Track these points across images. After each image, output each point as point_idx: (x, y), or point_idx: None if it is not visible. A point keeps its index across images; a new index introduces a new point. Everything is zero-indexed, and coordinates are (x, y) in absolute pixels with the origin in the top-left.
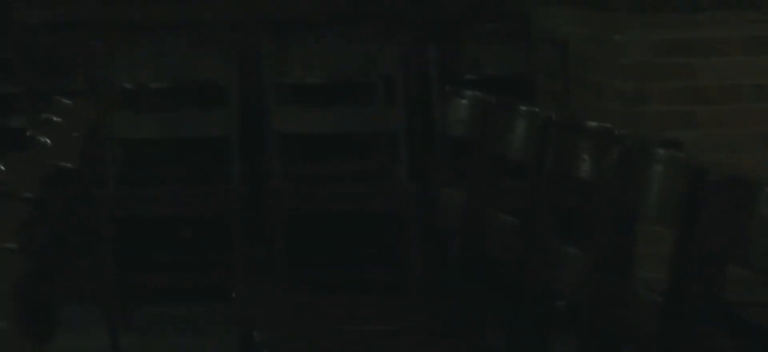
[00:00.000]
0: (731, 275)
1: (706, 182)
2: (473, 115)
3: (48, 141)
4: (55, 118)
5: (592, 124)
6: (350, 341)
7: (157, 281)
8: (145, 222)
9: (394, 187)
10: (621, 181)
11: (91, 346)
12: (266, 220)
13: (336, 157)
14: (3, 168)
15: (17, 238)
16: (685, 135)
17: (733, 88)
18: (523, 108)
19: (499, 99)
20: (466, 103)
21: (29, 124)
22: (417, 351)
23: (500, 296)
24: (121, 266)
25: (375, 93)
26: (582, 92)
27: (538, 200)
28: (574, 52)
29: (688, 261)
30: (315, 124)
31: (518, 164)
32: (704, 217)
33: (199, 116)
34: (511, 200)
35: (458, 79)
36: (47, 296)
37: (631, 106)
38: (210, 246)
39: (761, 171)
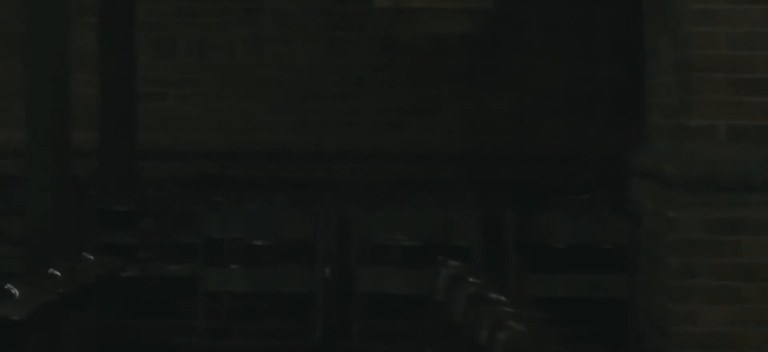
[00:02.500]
0: None
1: None
2: (445, 285)
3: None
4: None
5: (494, 296)
6: None
7: None
8: None
9: None
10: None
11: None
12: None
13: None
14: None
15: None
16: (731, 309)
17: None
18: (471, 280)
19: (464, 270)
20: (445, 272)
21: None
22: None
23: None
24: None
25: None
26: (648, 265)
27: None
28: (647, 225)
29: None
30: (395, 285)
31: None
32: None
33: (286, 273)
34: None
35: (539, 247)
36: None
37: (680, 280)
38: None
39: None
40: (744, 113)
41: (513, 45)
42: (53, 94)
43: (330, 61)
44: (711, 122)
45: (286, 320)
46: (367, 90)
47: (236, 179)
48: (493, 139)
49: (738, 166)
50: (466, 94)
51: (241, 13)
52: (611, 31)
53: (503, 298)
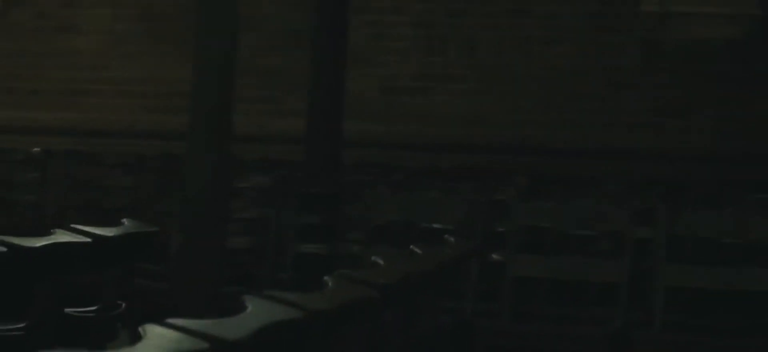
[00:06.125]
0: None
1: None
2: None
3: None
4: None
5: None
6: None
7: None
8: None
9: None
10: None
11: None
12: None
13: None
14: None
15: None
16: None
17: None
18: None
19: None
20: None
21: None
22: None
23: None
24: None
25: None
26: None
27: None
28: None
29: None
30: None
31: None
32: None
33: (592, 263)
34: None
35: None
36: None
37: None
38: None
39: None
40: None
41: None
42: (216, 83)
43: (594, 63)
44: None
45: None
46: (629, 91)
47: (497, 173)
48: (749, 142)
49: None
50: (725, 98)
51: (509, 15)
52: None
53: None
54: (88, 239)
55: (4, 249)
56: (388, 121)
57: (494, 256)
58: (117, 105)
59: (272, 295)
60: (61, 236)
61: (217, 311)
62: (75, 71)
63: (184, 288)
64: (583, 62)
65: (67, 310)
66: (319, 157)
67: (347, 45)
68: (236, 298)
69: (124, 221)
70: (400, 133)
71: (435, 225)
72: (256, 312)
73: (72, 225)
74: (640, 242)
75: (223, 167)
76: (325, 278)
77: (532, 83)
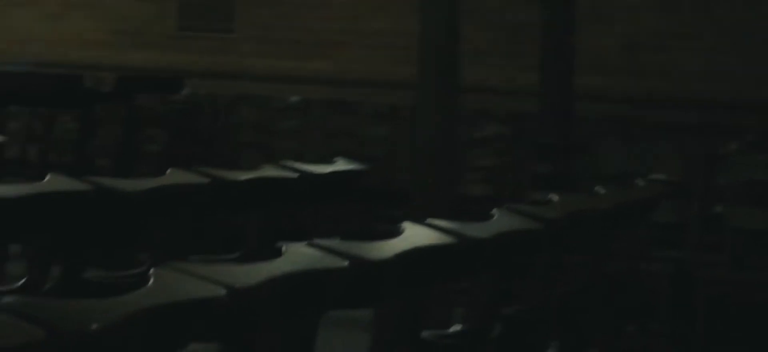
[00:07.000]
0: None
1: None
2: None
3: None
4: None
5: None
6: None
7: None
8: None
9: None
10: None
11: None
12: None
13: None
14: None
15: None
16: None
17: None
18: None
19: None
20: None
21: None
22: None
23: None
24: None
25: None
26: None
27: None
28: None
29: None
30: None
31: None
32: None
33: None
34: None
35: None
36: None
37: None
38: None
39: None
40: None
41: None
42: (444, 37)
43: None
44: None
45: None
46: None
47: (727, 128)
48: None
49: None
50: None
51: None
52: None
53: None
54: (295, 175)
55: (207, 180)
56: (626, 77)
57: (715, 208)
58: (368, 56)
59: (432, 223)
60: (269, 171)
61: None
62: (328, 22)
63: None
64: None
65: (280, 244)
66: (553, 109)
67: (579, 1)
68: None
69: (337, 159)
70: (637, 88)
71: (658, 176)
72: (408, 237)
73: (282, 161)
74: None
75: (449, 117)
76: (493, 209)
77: (766, 41)
